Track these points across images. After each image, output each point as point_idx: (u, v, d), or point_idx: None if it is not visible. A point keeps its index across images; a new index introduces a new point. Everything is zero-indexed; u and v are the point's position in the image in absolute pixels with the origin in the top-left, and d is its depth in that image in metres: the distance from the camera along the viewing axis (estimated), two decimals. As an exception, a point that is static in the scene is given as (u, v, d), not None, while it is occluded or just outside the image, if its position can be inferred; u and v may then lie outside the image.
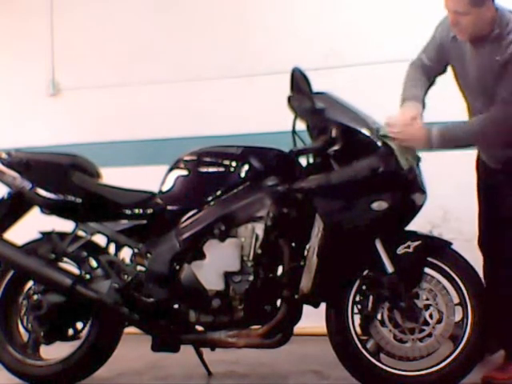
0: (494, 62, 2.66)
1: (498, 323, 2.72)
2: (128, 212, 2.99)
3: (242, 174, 2.89)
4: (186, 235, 2.88)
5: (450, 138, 2.71)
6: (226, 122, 4.38)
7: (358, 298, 2.80)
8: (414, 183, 2.75)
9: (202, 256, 2.85)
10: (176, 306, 2.90)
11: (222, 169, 2.95)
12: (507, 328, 2.80)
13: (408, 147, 2.71)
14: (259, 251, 2.80)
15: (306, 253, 2.80)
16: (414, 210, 2.75)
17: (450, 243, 2.79)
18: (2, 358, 3.08)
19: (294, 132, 2.85)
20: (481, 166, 2.95)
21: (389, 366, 2.74)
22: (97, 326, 2.99)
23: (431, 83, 2.94)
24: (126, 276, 2.94)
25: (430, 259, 2.76)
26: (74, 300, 2.92)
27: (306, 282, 2.73)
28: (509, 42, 2.63)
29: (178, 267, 2.87)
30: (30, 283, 3.07)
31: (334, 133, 2.74)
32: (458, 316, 2.73)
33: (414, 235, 2.78)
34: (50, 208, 3.02)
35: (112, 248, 3.03)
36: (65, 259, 3.04)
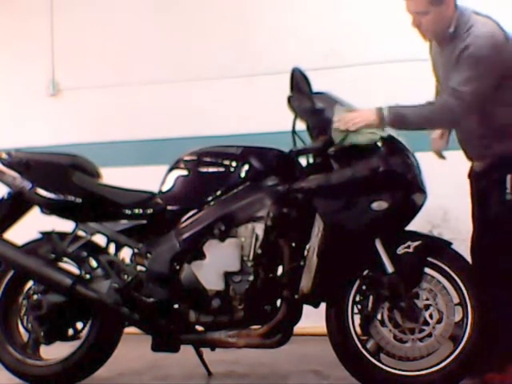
0: (454, 60, 2.71)
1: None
2: (128, 212, 2.99)
3: (242, 174, 2.89)
4: (186, 235, 2.88)
5: (400, 117, 2.70)
6: (225, 122, 4.38)
7: (358, 298, 2.80)
8: (414, 183, 2.75)
9: (202, 256, 2.85)
10: (176, 305, 2.90)
11: (221, 169, 2.95)
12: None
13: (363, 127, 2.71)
14: (259, 251, 2.80)
15: (306, 253, 2.79)
16: (413, 210, 2.75)
17: (450, 243, 2.79)
18: (2, 358, 3.08)
19: (293, 132, 2.85)
20: (471, 172, 2.96)
21: (389, 366, 2.74)
22: (97, 326, 2.99)
23: None
24: (126, 276, 2.94)
25: (430, 259, 2.76)
26: (73, 300, 2.93)
27: (305, 282, 2.73)
28: (463, 41, 2.68)
29: (178, 267, 2.87)
30: (30, 283, 3.07)
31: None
32: (458, 316, 2.73)
33: (414, 235, 2.78)
34: (50, 208, 3.02)
35: (112, 248, 3.03)
36: (65, 259, 3.04)
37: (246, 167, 2.90)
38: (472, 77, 2.64)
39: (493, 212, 2.77)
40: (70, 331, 3.00)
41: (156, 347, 2.92)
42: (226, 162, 2.94)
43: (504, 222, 2.76)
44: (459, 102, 2.65)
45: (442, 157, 3.08)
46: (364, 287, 2.80)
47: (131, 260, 2.99)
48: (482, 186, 2.84)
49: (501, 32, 2.72)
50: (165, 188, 2.99)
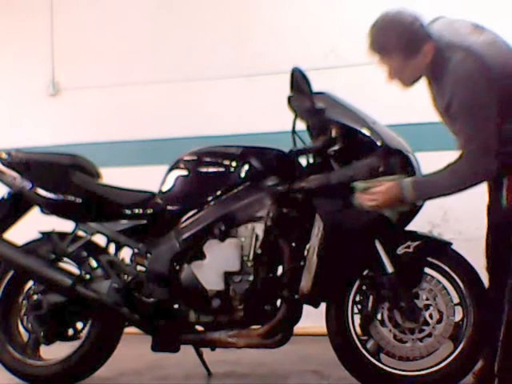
0: (441, 104, 2.56)
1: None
2: (128, 212, 2.98)
3: (242, 174, 2.89)
4: (185, 235, 2.88)
5: (423, 192, 2.58)
6: (225, 122, 4.38)
7: (358, 298, 2.80)
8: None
9: (202, 256, 2.85)
10: (176, 306, 2.90)
11: (222, 169, 2.95)
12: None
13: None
14: (259, 251, 2.80)
15: (306, 253, 2.80)
16: (413, 209, 2.75)
17: (450, 243, 2.79)
18: (2, 358, 3.08)
19: (293, 132, 2.85)
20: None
21: (389, 366, 2.74)
22: (97, 326, 2.99)
23: None
24: (126, 276, 2.94)
25: (430, 259, 2.76)
26: (73, 300, 2.92)
27: (305, 282, 2.73)
28: (445, 85, 2.48)
29: (178, 267, 2.87)
30: (30, 283, 3.07)
31: (333, 133, 2.74)
32: (458, 316, 2.73)
33: (414, 235, 2.78)
34: (50, 208, 3.02)
35: (112, 248, 3.03)
36: (65, 259, 3.04)
37: (246, 167, 2.89)
38: (471, 133, 2.45)
39: (491, 217, 2.72)
40: (70, 331, 3.00)
41: (156, 347, 2.92)
42: (226, 162, 2.94)
43: (498, 230, 2.65)
44: (476, 161, 2.45)
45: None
46: (364, 287, 2.80)
47: (131, 260, 2.99)
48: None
49: (481, 62, 2.44)
50: (165, 188, 2.99)
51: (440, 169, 2.54)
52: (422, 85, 4.10)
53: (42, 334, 2.97)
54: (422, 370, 2.71)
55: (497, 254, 2.60)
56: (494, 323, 2.51)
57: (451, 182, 2.52)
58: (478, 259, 2.87)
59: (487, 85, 2.43)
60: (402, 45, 2.47)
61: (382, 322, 2.75)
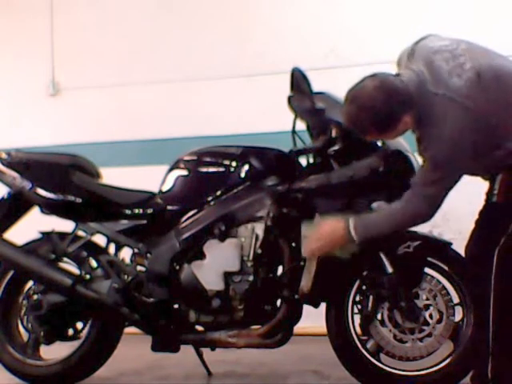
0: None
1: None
2: (128, 212, 2.98)
3: (242, 174, 2.89)
4: (185, 235, 2.88)
5: (370, 236, 2.55)
6: (225, 122, 4.38)
7: (358, 298, 2.80)
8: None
9: (202, 256, 2.85)
10: (176, 306, 2.90)
11: (222, 169, 2.95)
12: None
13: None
14: (259, 251, 2.80)
15: (306, 253, 2.79)
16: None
17: (450, 243, 2.79)
18: (2, 358, 3.08)
19: (293, 132, 2.85)
20: None
21: (389, 366, 2.74)
22: (97, 326, 2.99)
23: None
24: (126, 276, 2.94)
25: (430, 259, 2.76)
26: (73, 300, 2.92)
27: (305, 282, 2.73)
28: (426, 132, 2.42)
29: (177, 267, 2.87)
30: (30, 283, 3.07)
31: (334, 133, 2.74)
32: (458, 316, 2.73)
33: (414, 235, 2.78)
34: (49, 208, 3.02)
35: (112, 248, 3.03)
36: (65, 259, 3.04)
37: (246, 167, 2.89)
38: (436, 179, 2.42)
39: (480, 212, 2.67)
40: (70, 331, 3.00)
41: (156, 347, 2.92)
42: (226, 162, 2.94)
43: (484, 224, 2.60)
44: (430, 202, 2.46)
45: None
46: (364, 287, 2.80)
47: (131, 260, 2.99)
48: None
49: (466, 115, 2.35)
50: (165, 188, 2.99)
51: (380, 210, 2.58)
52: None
53: (41, 334, 2.97)
54: (422, 370, 2.71)
55: (479, 251, 2.55)
56: (484, 328, 2.50)
57: (391, 221, 2.54)
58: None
59: (472, 132, 2.36)
60: (376, 128, 2.41)
61: (382, 322, 2.75)
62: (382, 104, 2.36)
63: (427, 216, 2.52)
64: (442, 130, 2.37)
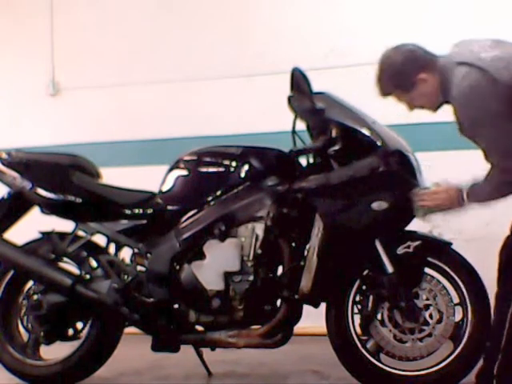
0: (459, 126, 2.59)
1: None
2: (128, 212, 2.99)
3: (242, 174, 2.89)
4: (185, 235, 2.88)
5: (476, 198, 2.61)
6: (226, 122, 4.38)
7: (358, 298, 2.80)
8: (414, 183, 2.74)
9: (202, 256, 2.85)
10: (176, 305, 2.90)
11: (222, 169, 2.95)
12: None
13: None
14: (259, 251, 2.80)
15: (306, 253, 2.79)
16: (414, 210, 2.75)
17: (450, 243, 2.79)
18: (2, 358, 3.08)
19: (293, 132, 2.85)
20: None
21: (389, 366, 2.74)
22: (97, 326, 2.99)
23: None
24: (126, 276, 2.94)
25: (430, 259, 2.76)
26: (73, 300, 2.92)
27: (305, 282, 2.73)
28: (454, 103, 2.54)
29: (178, 267, 2.87)
30: (30, 283, 3.07)
31: (333, 133, 2.74)
32: (458, 316, 2.73)
33: (414, 235, 2.78)
34: (50, 208, 3.02)
35: (112, 248, 3.03)
36: (65, 259, 3.04)
37: (246, 167, 2.90)
38: (490, 145, 2.50)
39: None
40: (70, 331, 3.00)
41: (156, 347, 2.92)
42: (226, 162, 2.94)
43: None
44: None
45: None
46: (364, 287, 2.80)
47: (131, 260, 2.99)
48: None
49: (485, 77, 2.46)
50: (165, 188, 2.99)
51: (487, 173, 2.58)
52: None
53: (41, 334, 2.97)
54: (422, 370, 2.71)
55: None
56: (498, 325, 2.51)
57: (491, 188, 2.56)
58: (478, 259, 2.87)
59: (492, 94, 2.45)
60: (394, 84, 2.63)
61: (382, 322, 2.75)
62: (396, 59, 2.64)
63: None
64: (463, 89, 2.48)
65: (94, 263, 3.03)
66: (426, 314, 2.72)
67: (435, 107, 2.66)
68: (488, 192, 2.57)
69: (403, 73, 2.61)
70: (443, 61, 2.60)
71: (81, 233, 3.04)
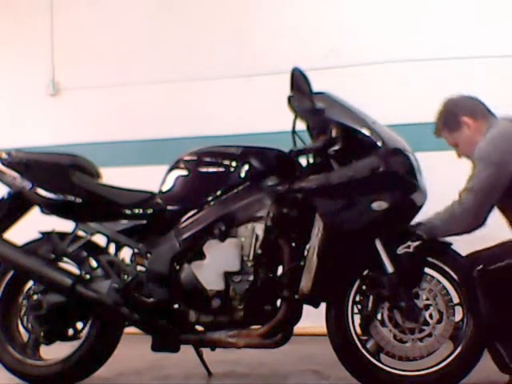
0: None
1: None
2: (128, 212, 2.98)
3: (242, 174, 2.89)
4: (186, 235, 2.88)
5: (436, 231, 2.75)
6: (225, 122, 4.38)
7: (358, 298, 2.80)
8: (414, 183, 2.74)
9: (202, 256, 2.84)
10: (176, 306, 2.90)
11: (222, 169, 2.95)
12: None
13: None
14: (259, 251, 2.80)
15: (306, 253, 2.79)
16: (413, 210, 2.75)
17: (450, 243, 2.79)
18: (2, 357, 3.08)
19: (293, 132, 2.85)
20: None
21: (389, 366, 2.74)
22: (97, 326, 2.98)
23: None
24: (126, 276, 2.94)
25: (429, 259, 2.76)
26: (74, 300, 2.92)
27: (305, 282, 2.73)
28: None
29: (178, 267, 2.87)
30: (30, 283, 3.07)
31: (333, 133, 2.74)
32: (458, 316, 2.72)
33: (414, 235, 2.78)
34: (50, 208, 3.02)
35: (112, 248, 3.03)
36: (65, 259, 3.04)
37: (246, 167, 2.89)
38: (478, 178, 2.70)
39: None
40: (70, 331, 3.00)
41: (156, 347, 2.92)
42: (226, 162, 2.94)
43: None
44: (467, 206, 2.69)
45: None
46: (364, 287, 2.80)
47: (131, 260, 2.98)
48: None
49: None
50: (165, 188, 2.99)
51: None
52: (422, 85, 4.11)
53: (41, 334, 2.97)
54: (422, 370, 2.71)
55: None
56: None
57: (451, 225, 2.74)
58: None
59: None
60: (443, 122, 2.91)
61: (382, 322, 2.75)
62: (453, 100, 2.92)
63: (468, 216, 2.72)
64: (495, 132, 2.75)
65: (94, 263, 3.03)
66: (426, 314, 2.72)
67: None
68: (444, 222, 2.74)
69: (452, 112, 2.88)
70: (498, 118, 2.82)
71: (81, 233, 3.04)
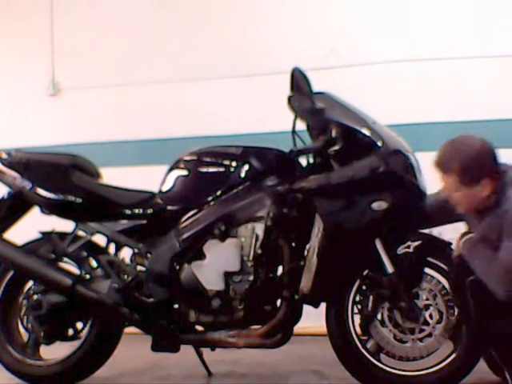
0: (493, 234, 2.52)
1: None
2: (128, 212, 2.98)
3: (242, 174, 2.89)
4: (186, 235, 2.88)
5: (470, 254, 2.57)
6: (225, 121, 4.38)
7: (358, 298, 2.80)
8: (414, 183, 2.75)
9: (201, 256, 2.85)
10: (176, 305, 2.90)
11: (222, 169, 2.95)
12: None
13: None
14: (259, 251, 2.80)
15: (306, 253, 2.80)
16: (413, 210, 2.75)
17: (450, 243, 2.79)
18: (2, 357, 3.08)
19: (293, 132, 2.85)
20: None
21: (389, 366, 2.74)
22: (97, 326, 2.99)
23: None
24: (126, 276, 2.94)
25: (430, 259, 2.76)
26: (73, 300, 2.92)
27: (305, 282, 2.73)
28: (503, 211, 2.47)
29: (177, 267, 2.87)
30: (30, 283, 3.07)
31: (334, 133, 2.74)
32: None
33: (414, 235, 2.78)
34: (49, 208, 3.02)
35: (112, 248, 3.03)
36: (65, 259, 3.04)
37: (246, 167, 2.90)
38: (506, 255, 2.43)
39: None
40: (70, 331, 3.00)
41: (156, 347, 2.92)
42: (226, 162, 2.94)
43: None
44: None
45: None
46: (364, 287, 2.80)
47: (131, 260, 2.99)
48: None
49: None
50: (165, 188, 2.99)
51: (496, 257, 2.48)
52: (422, 85, 4.10)
53: (41, 334, 2.97)
54: (422, 370, 2.71)
55: None
56: None
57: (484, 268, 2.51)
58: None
59: None
60: (461, 170, 2.49)
61: (382, 322, 2.75)
62: (478, 152, 2.49)
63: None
64: None
65: (94, 263, 3.03)
66: (426, 314, 2.72)
67: (465, 210, 2.60)
68: (480, 263, 2.51)
69: (475, 168, 2.49)
70: (504, 169, 2.53)
71: (81, 233, 3.04)
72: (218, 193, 2.90)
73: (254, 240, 2.80)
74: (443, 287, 2.74)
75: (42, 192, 2.98)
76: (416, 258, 2.73)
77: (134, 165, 4.56)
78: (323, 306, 2.84)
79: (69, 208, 2.99)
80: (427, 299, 2.73)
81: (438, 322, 2.71)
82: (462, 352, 2.68)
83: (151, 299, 2.87)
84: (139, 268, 2.96)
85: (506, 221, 2.44)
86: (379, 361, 2.75)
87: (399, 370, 2.73)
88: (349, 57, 4.24)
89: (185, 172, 2.99)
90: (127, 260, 3.00)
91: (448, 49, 4.14)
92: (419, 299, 2.73)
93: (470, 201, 2.54)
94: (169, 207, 2.96)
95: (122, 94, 4.70)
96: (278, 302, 2.83)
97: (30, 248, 3.04)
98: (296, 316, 2.84)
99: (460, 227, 3.72)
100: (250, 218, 2.83)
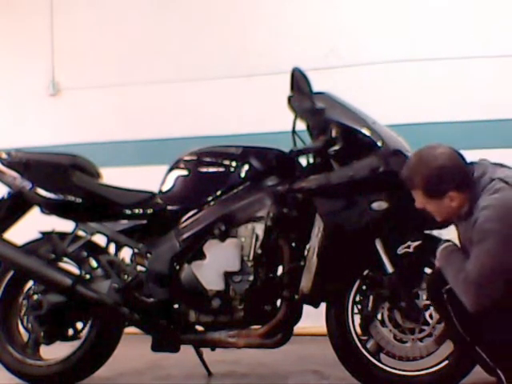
0: (467, 240, 2.47)
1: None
2: (128, 212, 2.99)
3: (242, 174, 2.89)
4: (186, 235, 2.88)
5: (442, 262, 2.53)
6: (225, 121, 4.38)
7: (358, 298, 2.80)
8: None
9: (202, 256, 2.85)
10: (176, 306, 2.90)
11: (222, 169, 2.95)
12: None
13: None
14: (259, 251, 2.80)
15: (306, 253, 2.80)
16: (413, 210, 2.75)
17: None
18: (2, 357, 3.08)
19: (293, 132, 2.85)
20: None
21: (389, 366, 2.74)
22: (97, 325, 2.99)
23: None
24: (126, 276, 2.94)
25: (430, 259, 2.75)
26: (73, 300, 2.92)
27: (305, 282, 2.73)
28: (474, 220, 2.40)
29: (178, 267, 2.87)
30: (30, 283, 3.07)
31: (334, 133, 2.74)
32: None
33: (414, 235, 2.78)
34: (49, 208, 3.02)
35: (112, 248, 3.03)
36: (65, 259, 3.04)
37: (246, 167, 2.90)
38: (481, 257, 2.37)
39: None
40: (70, 331, 3.00)
41: (156, 347, 2.92)
42: (226, 162, 2.94)
43: None
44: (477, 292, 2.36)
45: None
46: (364, 287, 2.80)
47: (131, 260, 2.99)
48: None
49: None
50: (165, 188, 2.99)
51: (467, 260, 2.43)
52: (422, 85, 4.10)
53: (41, 334, 2.97)
54: (422, 370, 2.71)
55: None
56: None
57: (453, 276, 2.46)
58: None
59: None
60: (424, 186, 2.45)
61: (382, 322, 2.75)
62: (440, 166, 2.43)
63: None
64: (496, 201, 2.37)
65: (94, 263, 3.03)
66: (426, 314, 2.72)
67: (442, 219, 2.56)
68: (450, 273, 2.46)
69: (437, 180, 2.43)
70: (477, 177, 2.46)
71: (81, 233, 3.04)
72: (218, 193, 2.90)
73: (254, 240, 2.80)
74: (443, 287, 2.74)
75: (41, 192, 2.98)
76: (416, 258, 2.73)
77: (134, 165, 4.56)
78: (323, 306, 2.84)
79: (69, 208, 2.99)
80: (427, 299, 2.73)
81: (438, 322, 2.71)
82: (462, 352, 2.67)
83: (151, 299, 2.87)
84: (139, 268, 2.96)
85: (475, 229, 2.40)
86: (379, 361, 2.75)
87: (399, 369, 2.73)
88: (349, 57, 4.24)
89: (185, 172, 2.99)
90: (127, 260, 3.00)
91: (448, 49, 4.14)
92: (419, 299, 2.73)
93: (443, 211, 2.49)
94: (169, 207, 2.96)
95: (122, 94, 4.70)
96: (278, 302, 2.83)
97: (30, 248, 3.04)
98: (296, 316, 2.84)
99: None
100: (250, 218, 2.83)
